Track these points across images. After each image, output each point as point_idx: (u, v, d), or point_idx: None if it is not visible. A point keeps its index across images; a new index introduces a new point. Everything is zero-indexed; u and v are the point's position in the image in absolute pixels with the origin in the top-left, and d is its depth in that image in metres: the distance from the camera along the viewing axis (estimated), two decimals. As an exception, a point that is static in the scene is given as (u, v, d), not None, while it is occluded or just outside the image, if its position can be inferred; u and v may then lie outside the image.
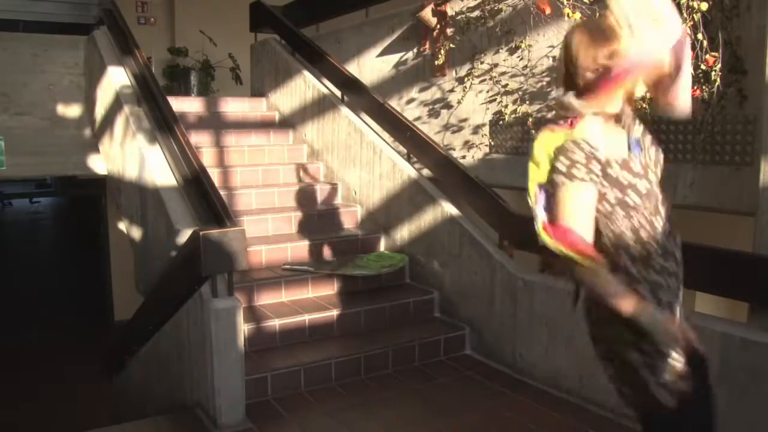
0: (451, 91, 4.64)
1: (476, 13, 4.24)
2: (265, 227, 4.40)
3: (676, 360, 1.69)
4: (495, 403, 3.20)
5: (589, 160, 1.67)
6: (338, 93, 5.15)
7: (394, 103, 4.94)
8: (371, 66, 5.34)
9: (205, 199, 3.34)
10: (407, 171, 4.38)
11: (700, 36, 2.92)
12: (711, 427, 1.79)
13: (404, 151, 4.51)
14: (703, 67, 2.94)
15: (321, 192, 4.90)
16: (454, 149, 4.63)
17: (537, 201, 1.76)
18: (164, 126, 4.01)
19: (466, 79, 4.41)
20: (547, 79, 3.92)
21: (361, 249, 4.42)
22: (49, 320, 9.18)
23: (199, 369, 3.07)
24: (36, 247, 14.47)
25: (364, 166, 4.73)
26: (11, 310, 9.25)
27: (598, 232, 1.72)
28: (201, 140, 5.02)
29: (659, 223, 1.73)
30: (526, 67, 4.01)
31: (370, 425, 3.04)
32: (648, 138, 1.82)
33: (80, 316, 9.38)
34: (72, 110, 5.69)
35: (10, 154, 5.47)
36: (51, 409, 6.48)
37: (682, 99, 1.74)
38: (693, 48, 2.94)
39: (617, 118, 1.75)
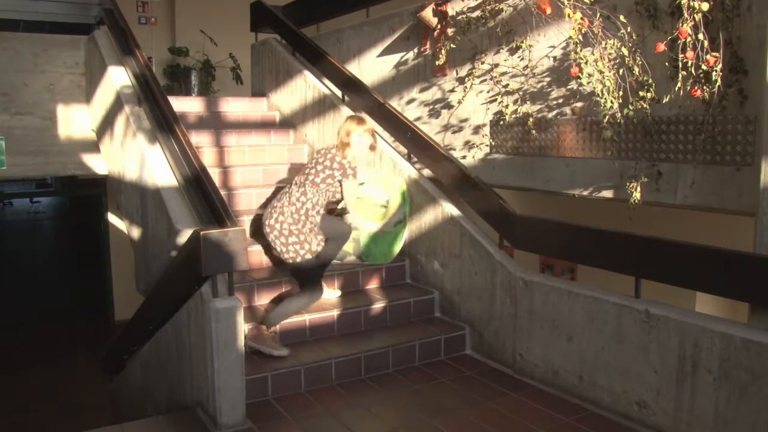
0: (452, 91, 4.64)
1: (477, 13, 4.24)
2: (266, 227, 4.39)
3: None
4: (495, 403, 3.20)
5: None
6: (339, 93, 5.15)
7: (395, 103, 4.94)
8: (372, 66, 5.34)
9: (206, 199, 3.33)
10: (408, 171, 4.38)
11: (701, 36, 2.92)
12: None
13: (405, 151, 4.51)
14: (704, 67, 2.93)
15: (321, 192, 4.89)
16: (455, 149, 4.63)
17: None
18: (165, 126, 4.01)
19: (466, 79, 4.41)
20: (548, 79, 3.92)
21: (361, 249, 4.41)
22: (49, 320, 9.19)
23: (199, 369, 3.07)
24: (36, 246, 14.47)
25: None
26: (11, 310, 9.26)
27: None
28: (201, 140, 5.03)
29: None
30: (526, 67, 4.01)
31: (370, 425, 3.04)
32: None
33: (80, 316, 9.38)
34: (72, 110, 5.69)
35: (10, 154, 5.47)
36: (51, 409, 6.49)
37: None
38: (694, 48, 2.95)
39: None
